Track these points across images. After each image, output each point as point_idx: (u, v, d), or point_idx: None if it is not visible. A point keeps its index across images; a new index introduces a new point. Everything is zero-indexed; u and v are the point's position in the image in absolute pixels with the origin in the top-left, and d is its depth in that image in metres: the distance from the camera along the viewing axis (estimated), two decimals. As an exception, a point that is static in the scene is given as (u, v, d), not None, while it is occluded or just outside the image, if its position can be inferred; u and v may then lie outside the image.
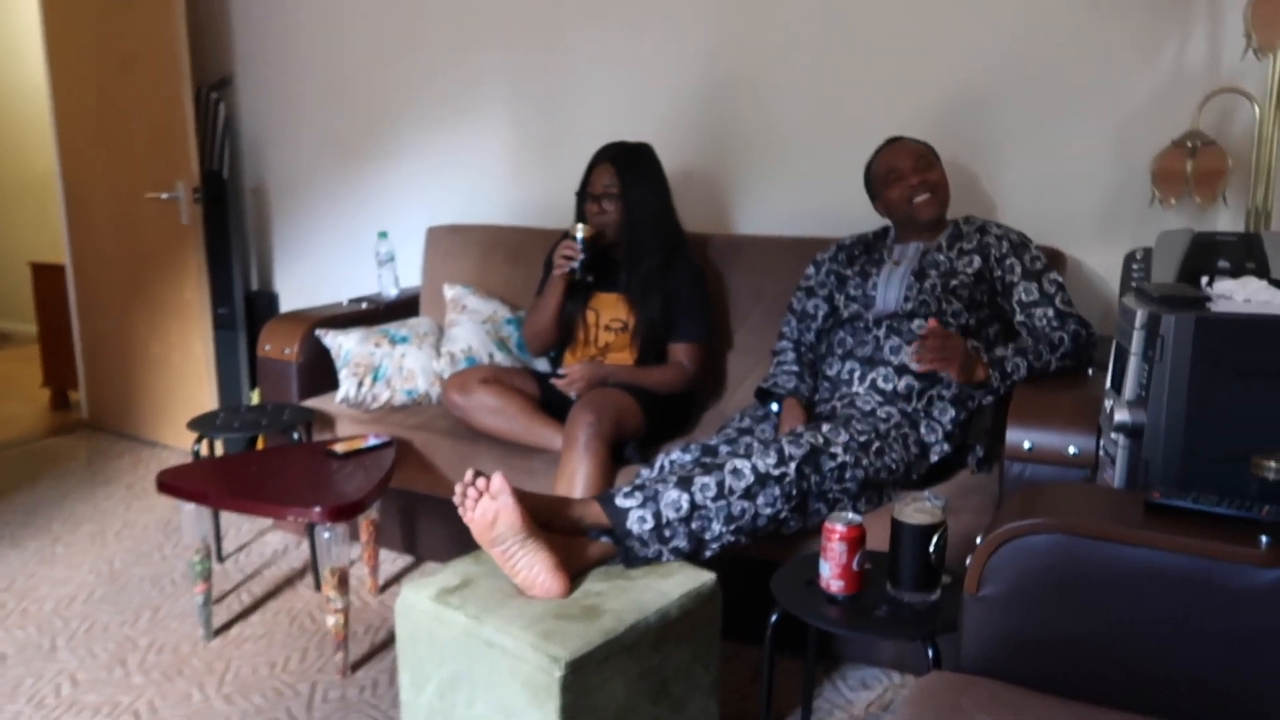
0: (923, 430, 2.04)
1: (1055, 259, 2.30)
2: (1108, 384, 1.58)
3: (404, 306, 3.09)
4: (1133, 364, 1.46)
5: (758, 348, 2.54)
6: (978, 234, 2.19)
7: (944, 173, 2.21)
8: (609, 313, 2.47)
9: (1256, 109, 2.05)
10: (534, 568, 1.61)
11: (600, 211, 2.41)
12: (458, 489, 1.65)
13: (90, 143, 3.68)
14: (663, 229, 2.45)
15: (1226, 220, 2.24)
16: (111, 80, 3.53)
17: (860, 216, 2.37)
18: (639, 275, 2.42)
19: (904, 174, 2.18)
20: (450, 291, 2.91)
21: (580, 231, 2.35)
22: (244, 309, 3.58)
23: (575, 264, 2.36)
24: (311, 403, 2.72)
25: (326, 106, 3.52)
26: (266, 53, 3.61)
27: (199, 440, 2.57)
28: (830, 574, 1.53)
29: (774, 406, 2.19)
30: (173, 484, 2.12)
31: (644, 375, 2.38)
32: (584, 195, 2.45)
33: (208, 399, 3.50)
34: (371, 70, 3.39)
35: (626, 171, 2.41)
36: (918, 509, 1.51)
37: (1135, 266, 2.07)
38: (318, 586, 2.49)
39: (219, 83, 3.64)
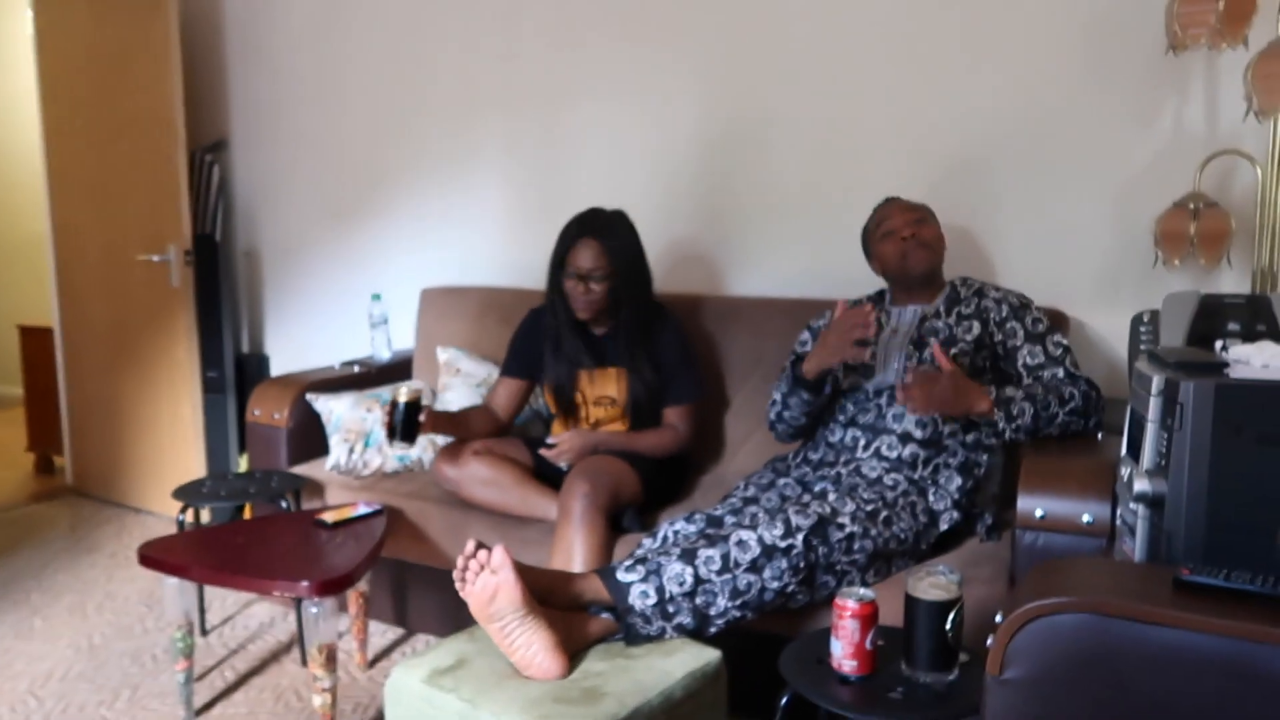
0: (931, 498, 1.98)
1: (1058, 320, 2.27)
2: (1123, 450, 1.53)
3: (397, 369, 3.04)
4: (1150, 431, 1.41)
5: (757, 411, 2.49)
6: (976, 297, 2.15)
7: (940, 233, 2.19)
8: (596, 390, 2.40)
9: (1259, 171, 2.04)
10: (532, 646, 1.54)
11: (586, 291, 2.29)
12: (459, 561, 1.59)
13: (82, 204, 3.66)
14: (646, 297, 2.39)
15: (1231, 282, 2.22)
16: (106, 143, 3.52)
17: (858, 277, 2.34)
18: (630, 348, 2.35)
19: (897, 228, 2.15)
20: (444, 354, 2.87)
21: (403, 395, 2.12)
22: (234, 372, 3.53)
23: (394, 427, 2.14)
24: (301, 469, 2.65)
25: (321, 170, 3.51)
26: (261, 116, 3.61)
27: (183, 510, 2.50)
28: (842, 653, 1.47)
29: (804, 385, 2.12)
30: (155, 557, 2.05)
31: (636, 440, 2.32)
32: (561, 269, 2.33)
33: (196, 464, 3.43)
34: (366, 134, 3.39)
35: (611, 247, 2.29)
36: (932, 584, 1.45)
37: (1143, 329, 2.04)
38: (304, 661, 2.40)
39: (213, 145, 3.64)
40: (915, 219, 2.15)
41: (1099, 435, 1.99)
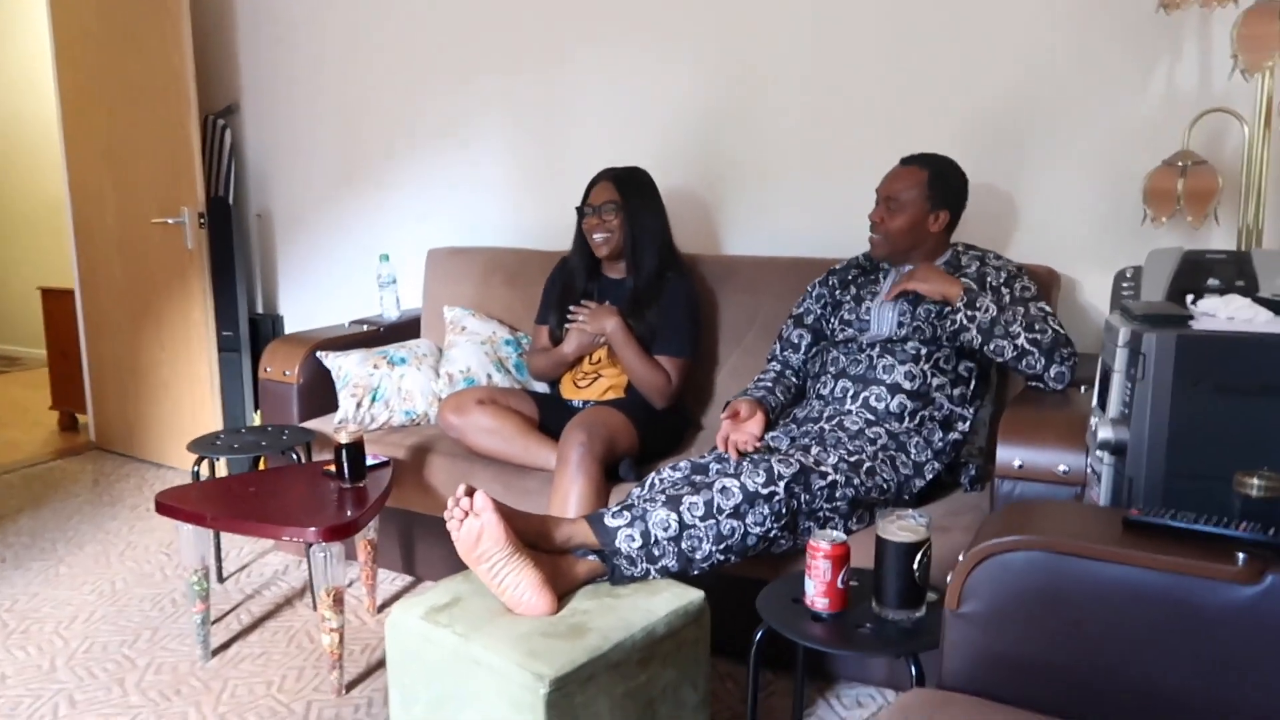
0: (912, 451, 2.04)
1: (1049, 278, 2.31)
2: (1094, 402, 1.58)
3: (405, 328, 3.12)
4: (1116, 381, 1.46)
5: (752, 369, 2.55)
6: (977, 262, 2.18)
7: (913, 219, 2.14)
8: None
9: (1246, 129, 2.06)
10: (520, 585, 1.62)
11: (601, 224, 2.46)
12: (449, 503, 1.66)
13: (98, 169, 3.74)
14: (659, 246, 2.49)
15: (1219, 239, 2.24)
16: (120, 109, 3.59)
17: (857, 237, 2.38)
18: (637, 288, 2.46)
19: (876, 203, 2.19)
20: (450, 313, 2.93)
21: (344, 436, 2.20)
22: (248, 331, 3.62)
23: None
24: (312, 424, 2.74)
25: (330, 133, 3.57)
26: (272, 80, 3.66)
27: (198, 462, 2.59)
28: (815, 591, 1.54)
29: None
30: (171, 505, 2.14)
31: (638, 352, 2.39)
32: (583, 210, 2.50)
33: (212, 420, 3.53)
34: (374, 97, 3.44)
35: (626, 187, 2.47)
36: (902, 526, 1.52)
37: (1125, 285, 2.08)
38: (315, 606, 2.49)
39: (225, 110, 3.70)
40: (887, 206, 2.15)
41: (1081, 389, 2.04)
